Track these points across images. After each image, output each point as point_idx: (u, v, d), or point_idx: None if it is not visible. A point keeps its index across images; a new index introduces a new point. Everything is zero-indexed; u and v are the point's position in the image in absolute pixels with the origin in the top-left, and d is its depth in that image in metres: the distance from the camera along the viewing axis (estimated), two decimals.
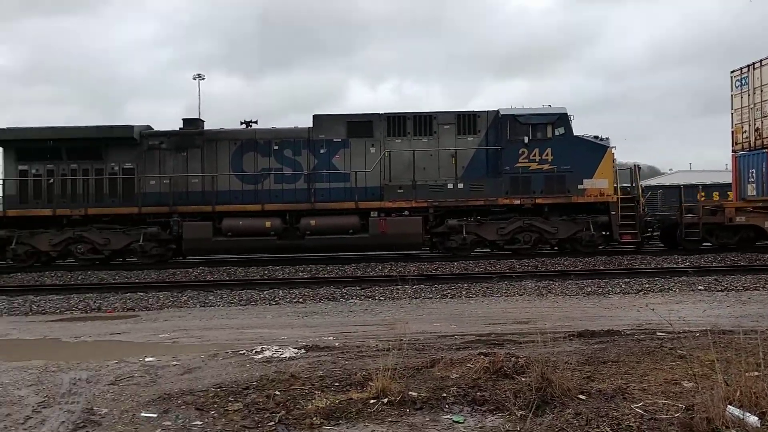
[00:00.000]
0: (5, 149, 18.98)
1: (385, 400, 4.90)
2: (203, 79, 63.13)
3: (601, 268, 15.76)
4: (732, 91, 19.56)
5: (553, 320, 9.12)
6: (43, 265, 18.42)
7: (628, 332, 8.01)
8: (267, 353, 7.12)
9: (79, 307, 12.38)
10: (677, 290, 12.53)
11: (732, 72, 19.61)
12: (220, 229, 18.12)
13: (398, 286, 12.88)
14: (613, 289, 12.78)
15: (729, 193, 21.28)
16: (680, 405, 4.62)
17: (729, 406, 4.26)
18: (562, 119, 18.39)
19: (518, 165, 18.25)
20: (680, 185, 25.55)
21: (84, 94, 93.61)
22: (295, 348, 7.35)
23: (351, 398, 5.03)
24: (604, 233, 18.49)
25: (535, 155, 18.26)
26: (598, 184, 18.25)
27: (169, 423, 4.74)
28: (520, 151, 18.23)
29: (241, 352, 7.24)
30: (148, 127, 19.49)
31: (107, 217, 18.47)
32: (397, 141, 18.54)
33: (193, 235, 18.11)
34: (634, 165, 20.41)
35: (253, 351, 7.26)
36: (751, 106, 18.73)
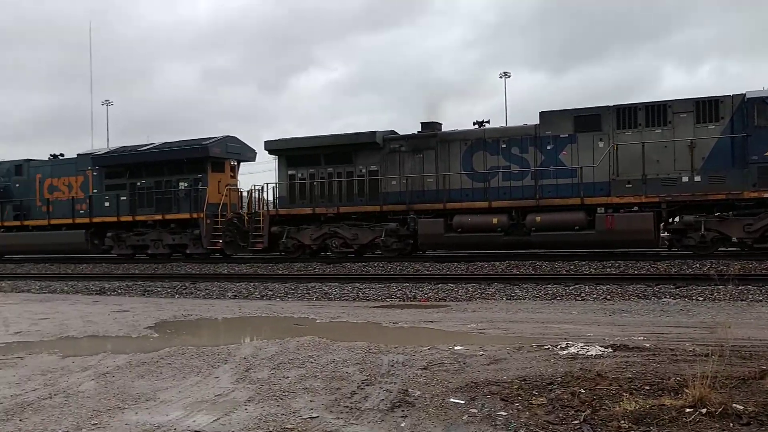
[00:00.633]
0: (279, 157, 22.37)
1: (704, 411, 4.41)
2: (509, 77, 61.64)
3: None
4: None
5: None
6: (311, 256, 21.35)
7: None
8: (572, 349, 6.95)
9: (398, 295, 13.54)
10: None
11: None
12: (450, 225, 19.23)
13: (719, 286, 11.72)
14: None
15: None
16: None
17: None
18: None
19: None
20: None
21: (401, 100, 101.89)
22: (601, 346, 7.05)
23: (663, 404, 4.62)
24: None
25: None
26: None
27: (475, 411, 4.79)
28: None
29: (546, 347, 7.17)
30: (391, 132, 21.34)
31: (355, 214, 20.75)
32: (627, 133, 17.75)
33: (427, 231, 19.50)
34: None
35: (558, 346, 7.14)
36: None
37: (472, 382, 5.59)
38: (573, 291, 12.79)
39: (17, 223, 26.37)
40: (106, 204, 24.64)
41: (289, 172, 22.08)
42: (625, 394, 4.94)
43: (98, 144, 51.71)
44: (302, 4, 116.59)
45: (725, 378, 5.04)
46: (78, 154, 26.19)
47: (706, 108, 17.06)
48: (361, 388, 5.54)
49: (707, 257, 16.13)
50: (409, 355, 6.83)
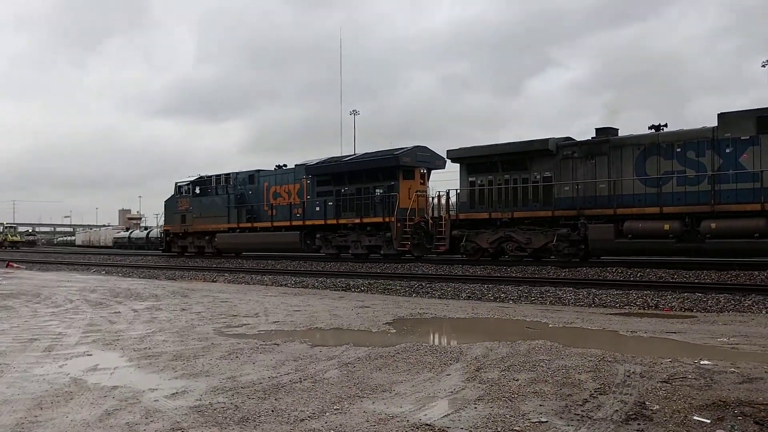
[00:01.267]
0: (461, 165, 23.74)
1: None
2: None
3: None
4: None
5: None
6: (491, 258, 22.42)
7: None
8: None
9: (637, 303, 13.01)
10: None
11: None
12: (621, 231, 19.10)
13: None
14: None
15: None
16: None
17: None
18: None
19: None
20: None
21: (648, 96, 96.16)
22: None
23: None
24: None
25: None
26: None
27: None
28: None
29: None
30: (567, 139, 21.60)
31: (528, 219, 21.41)
32: None
33: (597, 236, 19.57)
34: None
35: None
36: None
37: (720, 400, 5.18)
38: None
39: (249, 225, 30.96)
40: (317, 208, 28.00)
41: (470, 179, 23.31)
42: None
43: (346, 150, 57.18)
44: (535, 5, 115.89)
45: None
46: (296, 165, 29.97)
47: None
48: (594, 397, 5.36)
49: None
50: (647, 366, 6.52)
